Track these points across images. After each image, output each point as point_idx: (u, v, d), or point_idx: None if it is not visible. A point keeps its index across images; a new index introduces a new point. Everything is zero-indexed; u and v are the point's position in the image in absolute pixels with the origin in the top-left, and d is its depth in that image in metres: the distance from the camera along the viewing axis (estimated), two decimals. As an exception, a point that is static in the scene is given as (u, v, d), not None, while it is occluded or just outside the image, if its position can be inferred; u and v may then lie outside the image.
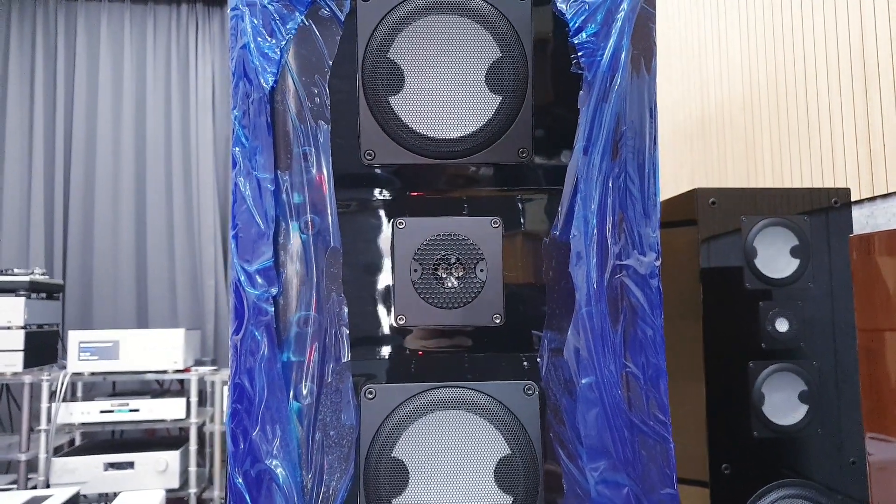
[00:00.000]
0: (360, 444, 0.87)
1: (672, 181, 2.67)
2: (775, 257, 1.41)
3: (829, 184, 1.79)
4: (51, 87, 4.14)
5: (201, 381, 3.37)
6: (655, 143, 0.91)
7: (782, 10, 1.99)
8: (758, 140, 2.11)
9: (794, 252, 1.40)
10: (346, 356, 0.88)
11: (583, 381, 0.87)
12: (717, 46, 2.36)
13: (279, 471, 0.84)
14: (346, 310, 0.88)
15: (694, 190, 1.43)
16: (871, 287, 1.06)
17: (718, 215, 1.41)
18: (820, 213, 1.43)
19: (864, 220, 1.67)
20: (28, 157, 4.07)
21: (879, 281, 1.05)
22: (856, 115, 1.70)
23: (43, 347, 3.28)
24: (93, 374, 3.17)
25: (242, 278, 0.85)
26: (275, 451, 0.84)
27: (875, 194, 1.63)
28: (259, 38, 0.86)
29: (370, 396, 0.88)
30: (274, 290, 0.87)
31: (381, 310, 0.90)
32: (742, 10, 2.20)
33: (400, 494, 0.86)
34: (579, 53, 0.90)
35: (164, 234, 4.20)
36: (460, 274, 0.90)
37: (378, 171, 0.91)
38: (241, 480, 0.83)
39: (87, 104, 4.18)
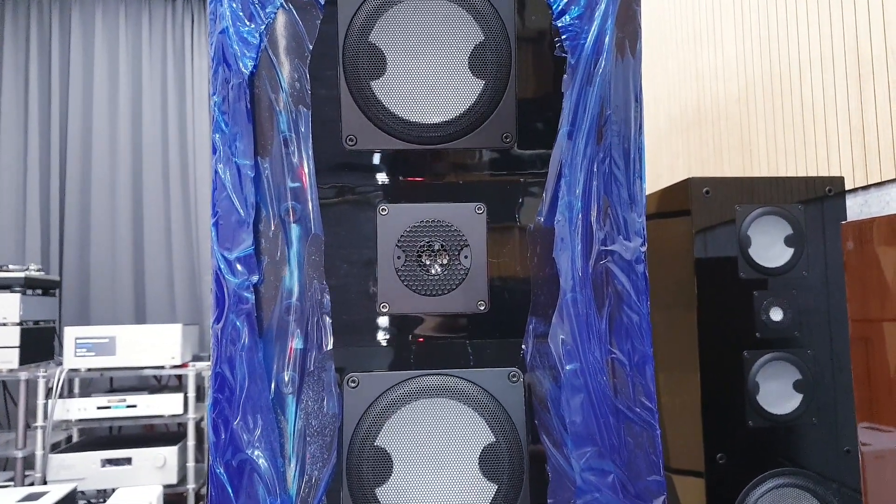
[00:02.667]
0: (342, 433, 0.86)
1: (668, 172, 2.67)
2: (769, 246, 1.40)
3: (823, 174, 1.78)
4: (46, 82, 4.13)
5: (199, 377, 3.36)
6: (641, 127, 0.89)
7: (776, 1, 1.98)
8: (753, 131, 2.10)
9: (789, 241, 1.39)
10: (329, 345, 0.87)
11: (567, 368, 0.86)
12: (712, 38, 2.34)
13: (261, 461, 0.83)
14: (328, 298, 0.87)
15: (687, 179, 1.42)
16: (863, 276, 1.05)
17: (712, 205, 1.40)
18: (814, 201, 1.42)
19: (857, 209, 1.66)
20: (23, 152, 4.06)
21: (872, 270, 1.04)
22: (850, 106, 1.69)
23: (39, 344, 3.27)
24: (89, 370, 3.16)
25: (222, 266, 0.84)
26: (256, 441, 0.83)
27: (869, 182, 1.62)
28: (238, 23, 0.85)
29: (353, 385, 0.87)
30: (255, 279, 0.86)
31: (364, 297, 0.89)
32: (737, 1, 2.18)
33: (383, 483, 0.85)
34: (563, 37, 0.89)
35: (162, 228, 4.19)
36: (444, 261, 0.89)
37: (360, 156, 0.90)
38: (222, 470, 0.82)
39: (82, 99, 4.17)
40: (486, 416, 0.86)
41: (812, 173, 1.82)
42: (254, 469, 0.83)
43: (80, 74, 4.17)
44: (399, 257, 0.88)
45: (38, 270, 3.30)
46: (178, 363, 3.21)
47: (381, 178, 0.91)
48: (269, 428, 0.84)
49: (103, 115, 4.16)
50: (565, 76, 0.89)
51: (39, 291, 3.34)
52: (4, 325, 3.02)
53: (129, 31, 4.27)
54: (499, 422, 0.86)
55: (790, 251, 1.39)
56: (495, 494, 0.86)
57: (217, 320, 0.85)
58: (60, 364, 3.17)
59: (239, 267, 0.85)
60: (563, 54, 0.89)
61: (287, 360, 0.86)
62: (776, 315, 1.37)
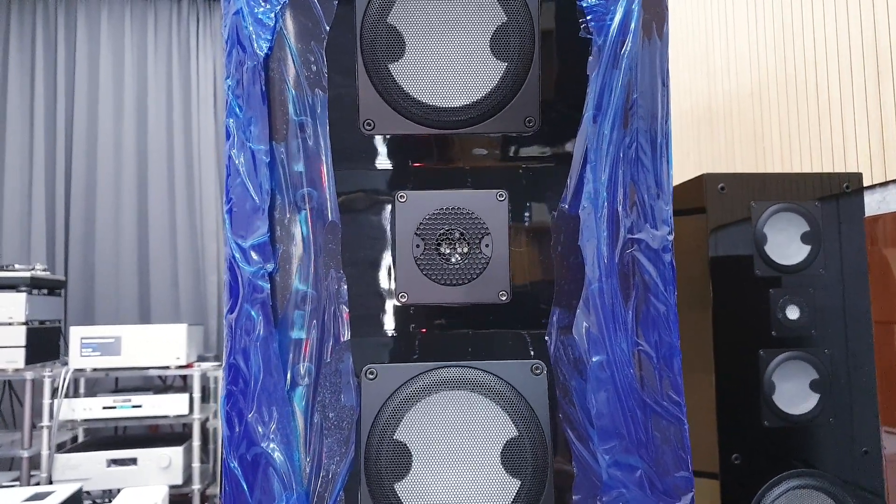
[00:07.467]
0: (360, 427, 0.84)
1: (679, 169, 2.64)
2: (786, 244, 1.38)
3: (840, 170, 1.76)
4: (51, 83, 4.13)
5: (204, 377, 3.35)
6: (668, 112, 0.87)
7: (791, -7, 1.96)
8: (766, 128, 2.08)
9: (805, 238, 1.37)
10: (346, 335, 0.85)
11: (593, 360, 0.84)
12: (725, 34, 2.32)
13: (276, 454, 0.81)
14: (345, 287, 0.85)
15: (702, 176, 1.40)
16: (886, 275, 1.03)
17: (727, 201, 1.38)
18: (831, 198, 1.39)
19: (875, 206, 1.63)
20: (29, 152, 4.06)
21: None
22: (867, 101, 1.66)
23: (45, 344, 3.26)
24: (95, 370, 3.16)
25: (237, 255, 0.82)
26: (271, 434, 0.81)
27: (888, 179, 1.60)
28: (253, 3, 0.83)
29: (371, 377, 0.84)
30: (270, 267, 0.83)
31: (382, 287, 0.87)
32: (750, -5, 2.16)
33: (402, 479, 0.82)
34: (588, 17, 0.86)
35: (167, 228, 4.19)
36: (464, 249, 0.86)
37: (378, 141, 0.88)
38: (236, 465, 0.80)
39: (87, 99, 4.17)
40: (508, 410, 0.83)
41: (828, 169, 1.79)
42: (269, 463, 0.80)
43: (85, 74, 4.17)
44: (418, 246, 0.86)
45: (44, 270, 3.29)
46: (184, 363, 3.21)
47: (400, 163, 0.88)
48: (284, 421, 0.81)
49: (108, 115, 4.16)
50: (590, 58, 0.87)
51: (45, 291, 3.33)
52: (10, 324, 3.01)
53: (135, 31, 4.27)
54: (521, 415, 0.83)
55: (807, 248, 1.37)
56: (518, 490, 0.83)
57: (231, 310, 0.82)
58: (66, 364, 3.16)
59: (254, 255, 0.83)
60: (588, 35, 0.87)
61: (303, 350, 0.84)
62: (792, 313, 1.35)
